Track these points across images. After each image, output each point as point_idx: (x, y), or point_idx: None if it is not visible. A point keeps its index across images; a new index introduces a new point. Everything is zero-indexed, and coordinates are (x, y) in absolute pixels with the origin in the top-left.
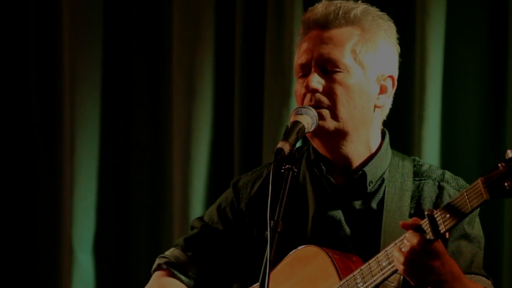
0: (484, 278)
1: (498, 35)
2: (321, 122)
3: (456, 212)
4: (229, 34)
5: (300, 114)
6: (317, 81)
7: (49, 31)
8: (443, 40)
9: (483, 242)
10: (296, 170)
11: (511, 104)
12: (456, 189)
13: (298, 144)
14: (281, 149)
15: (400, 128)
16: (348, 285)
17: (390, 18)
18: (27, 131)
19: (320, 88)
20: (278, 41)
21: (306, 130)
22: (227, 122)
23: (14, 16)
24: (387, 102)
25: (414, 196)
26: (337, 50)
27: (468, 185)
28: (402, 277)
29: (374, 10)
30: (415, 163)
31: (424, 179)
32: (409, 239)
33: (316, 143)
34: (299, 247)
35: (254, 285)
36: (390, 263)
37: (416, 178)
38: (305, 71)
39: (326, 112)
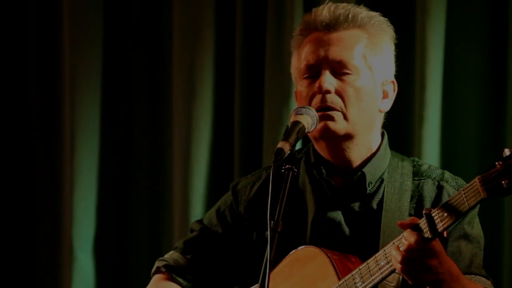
0: (483, 279)
1: (498, 35)
2: (331, 124)
3: (454, 211)
4: (229, 34)
5: (300, 114)
6: (329, 82)
7: (49, 31)
8: (443, 40)
9: (483, 242)
10: (296, 170)
11: (511, 104)
12: (455, 188)
13: (298, 145)
14: (281, 149)
15: (400, 128)
16: (347, 285)
17: (390, 24)
18: (27, 131)
19: (333, 90)
20: (278, 41)
21: (306, 130)
22: (227, 122)
23: (14, 16)
24: (389, 106)
25: (414, 196)
26: (348, 52)
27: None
28: (401, 277)
29: (377, 15)
30: (415, 163)
31: (424, 179)
32: (407, 238)
33: (320, 146)
34: (298, 248)
35: (254, 286)
36: (388, 263)
37: (415, 178)
38: (313, 72)
39: (337, 114)
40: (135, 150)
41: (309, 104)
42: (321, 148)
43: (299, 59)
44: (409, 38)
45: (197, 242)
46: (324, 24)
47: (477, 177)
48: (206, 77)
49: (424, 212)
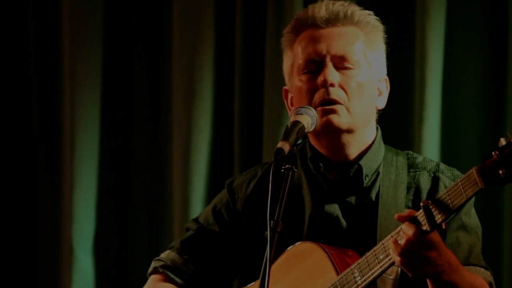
0: (483, 269)
1: (498, 35)
2: (335, 118)
3: (452, 202)
4: (229, 34)
5: (300, 114)
6: (334, 75)
7: (49, 31)
8: (443, 40)
9: (481, 233)
10: (296, 170)
11: (511, 104)
12: (451, 179)
13: None
14: (281, 149)
15: (400, 128)
16: (346, 279)
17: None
18: (27, 131)
19: (336, 83)
20: (278, 41)
21: (306, 130)
22: (227, 122)
23: (14, 16)
24: (384, 103)
25: (411, 188)
26: (350, 47)
27: (463, 175)
28: (400, 269)
29: (371, 13)
30: (409, 156)
31: (419, 171)
32: (405, 231)
33: (320, 141)
34: (295, 244)
35: (252, 283)
36: (387, 256)
37: (411, 170)
38: (314, 66)
39: (341, 108)
40: (135, 150)
41: (310, 99)
42: (320, 143)
43: (295, 55)
44: (409, 38)
45: (194, 242)
46: (323, 19)
47: (474, 168)
48: (206, 77)
49: (421, 204)
